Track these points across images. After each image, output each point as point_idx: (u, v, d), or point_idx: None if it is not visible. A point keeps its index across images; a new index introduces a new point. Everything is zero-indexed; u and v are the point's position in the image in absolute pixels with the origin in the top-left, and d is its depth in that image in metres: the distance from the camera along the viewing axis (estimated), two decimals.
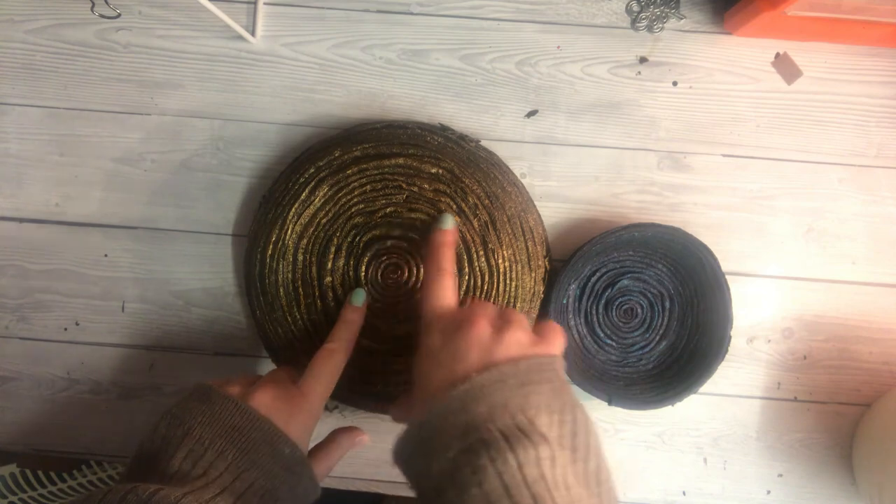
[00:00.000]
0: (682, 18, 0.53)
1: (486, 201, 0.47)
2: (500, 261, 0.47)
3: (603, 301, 0.51)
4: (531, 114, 0.52)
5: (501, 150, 0.52)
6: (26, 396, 0.53)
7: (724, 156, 0.53)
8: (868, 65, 0.52)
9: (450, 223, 0.45)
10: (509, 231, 0.48)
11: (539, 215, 0.51)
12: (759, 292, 0.52)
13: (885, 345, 0.52)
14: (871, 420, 0.50)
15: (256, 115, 0.53)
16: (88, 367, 0.53)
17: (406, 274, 0.48)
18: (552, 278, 0.50)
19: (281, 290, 0.48)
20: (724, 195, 0.52)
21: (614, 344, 0.52)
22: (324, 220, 0.48)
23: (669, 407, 0.51)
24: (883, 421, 0.49)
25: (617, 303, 0.51)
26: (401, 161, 0.47)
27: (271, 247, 0.48)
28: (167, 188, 0.52)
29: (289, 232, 0.48)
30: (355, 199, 0.47)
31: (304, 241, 0.48)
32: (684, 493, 0.52)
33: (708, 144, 0.52)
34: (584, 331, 0.51)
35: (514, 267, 0.48)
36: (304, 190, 0.48)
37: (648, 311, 0.51)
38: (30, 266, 0.53)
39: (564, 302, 0.51)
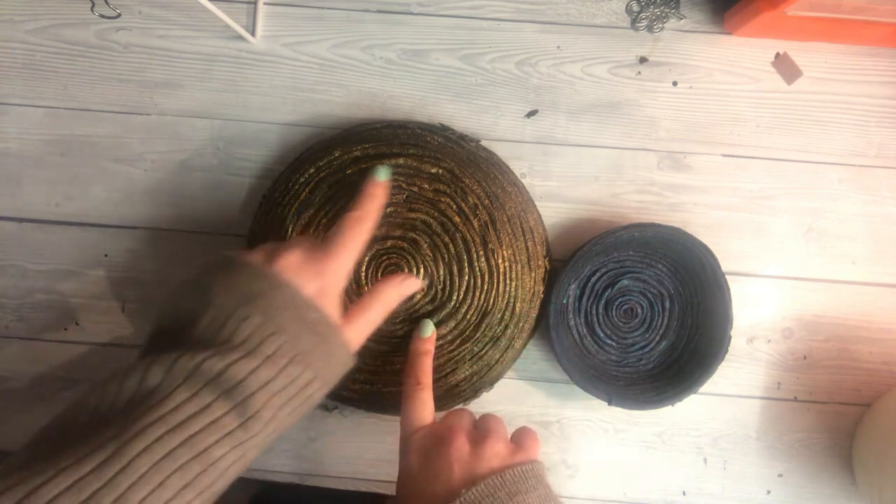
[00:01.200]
0: (682, 18, 0.53)
1: (486, 201, 0.47)
2: (500, 261, 0.47)
3: (603, 301, 0.51)
4: (531, 114, 0.52)
5: (501, 150, 0.52)
6: (26, 396, 0.53)
7: (724, 156, 0.53)
8: (868, 65, 0.52)
9: (429, 331, 0.46)
10: (509, 231, 0.48)
11: (539, 215, 0.51)
12: (759, 292, 0.52)
13: (885, 345, 0.52)
14: (871, 420, 0.50)
15: (256, 115, 0.53)
16: (88, 367, 0.53)
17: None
18: (552, 278, 0.50)
19: None
20: (724, 195, 0.52)
21: (614, 344, 0.52)
22: (324, 221, 0.48)
23: (669, 407, 0.51)
24: (883, 421, 0.49)
25: (617, 303, 0.51)
26: (401, 161, 0.47)
27: None
28: (167, 188, 0.52)
29: (288, 232, 0.48)
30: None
31: None
32: (684, 493, 0.52)
33: (708, 144, 0.52)
34: (584, 331, 0.51)
35: (513, 267, 0.48)
36: (303, 190, 0.48)
37: (648, 311, 0.51)
38: (30, 266, 0.53)
39: (564, 302, 0.51)
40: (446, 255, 0.47)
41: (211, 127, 0.53)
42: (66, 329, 0.53)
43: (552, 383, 0.52)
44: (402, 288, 0.43)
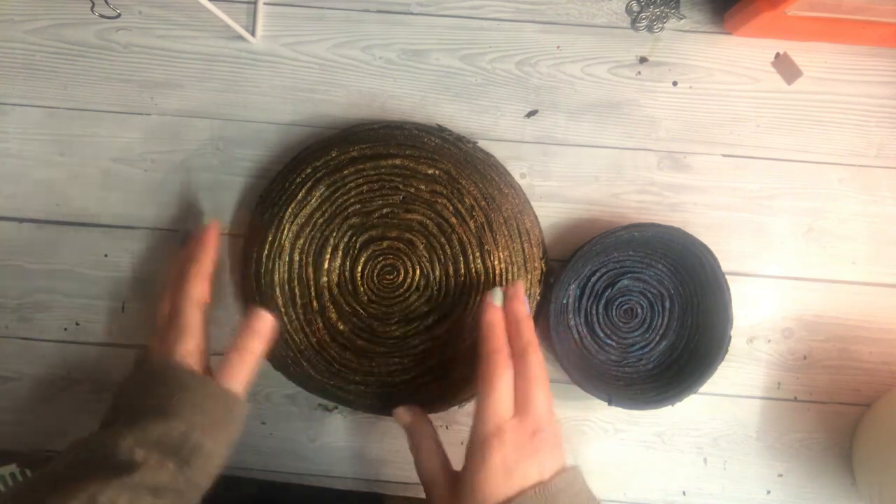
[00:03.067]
0: (682, 18, 0.53)
1: (483, 203, 0.47)
2: (496, 262, 0.47)
3: (603, 301, 0.51)
4: (531, 114, 0.52)
5: (501, 151, 0.52)
6: (26, 396, 0.53)
7: (724, 156, 0.53)
8: (868, 65, 0.52)
9: (500, 297, 0.43)
10: (505, 233, 0.48)
11: (536, 217, 0.51)
12: (759, 292, 0.52)
13: (885, 345, 0.52)
14: (871, 420, 0.50)
15: (256, 115, 0.53)
16: (88, 367, 0.53)
17: (402, 275, 0.48)
18: (549, 279, 0.50)
19: (277, 289, 0.48)
20: (724, 195, 0.52)
21: (614, 344, 0.52)
22: (320, 221, 0.48)
23: (669, 407, 0.51)
24: (883, 421, 0.49)
25: (617, 303, 0.51)
26: (398, 162, 0.47)
27: (267, 246, 0.48)
28: (167, 188, 0.52)
29: (285, 232, 0.48)
30: (352, 200, 0.47)
31: (301, 241, 0.48)
32: (684, 493, 0.52)
33: (708, 144, 0.52)
34: (584, 331, 0.51)
35: (509, 269, 0.48)
36: (300, 190, 0.48)
37: (648, 311, 0.51)
38: (30, 266, 0.53)
39: (564, 302, 0.51)
40: (443, 257, 0.47)
41: (211, 127, 0.53)
42: (66, 329, 0.53)
43: (552, 383, 0.52)
44: (258, 331, 0.44)
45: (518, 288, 0.44)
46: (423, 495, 0.43)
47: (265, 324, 0.44)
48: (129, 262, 0.52)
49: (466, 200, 0.47)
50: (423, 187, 0.47)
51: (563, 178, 0.52)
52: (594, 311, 0.51)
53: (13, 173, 0.53)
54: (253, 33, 0.52)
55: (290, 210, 0.48)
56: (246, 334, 0.43)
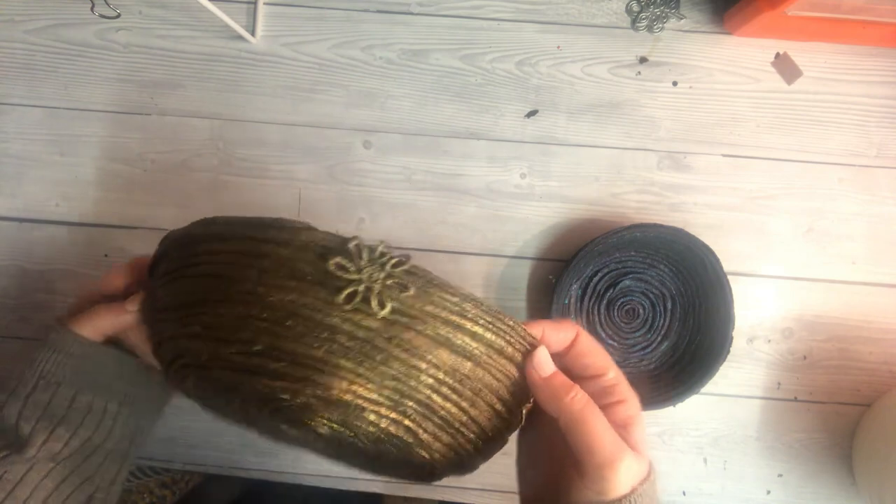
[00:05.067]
0: (682, 18, 0.53)
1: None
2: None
3: (605, 301, 0.51)
4: (531, 114, 0.52)
5: (501, 151, 0.52)
6: None
7: (724, 156, 0.53)
8: (868, 65, 0.53)
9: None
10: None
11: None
12: (760, 292, 0.52)
13: (885, 345, 0.52)
14: (870, 420, 0.50)
15: (256, 115, 0.53)
16: None
17: None
18: (551, 278, 0.50)
19: None
20: (724, 195, 0.52)
21: (616, 344, 0.52)
22: None
23: (670, 407, 0.51)
24: (883, 421, 0.49)
25: (619, 303, 0.51)
26: None
27: None
28: (167, 188, 0.52)
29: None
30: None
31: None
32: (684, 493, 0.52)
33: (708, 144, 0.52)
34: (586, 331, 0.51)
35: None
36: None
37: (650, 312, 0.51)
38: (30, 266, 0.52)
39: (566, 302, 0.51)
40: None
41: (211, 127, 0.52)
42: None
43: None
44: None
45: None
46: (423, 495, 0.43)
47: (118, 273, 0.42)
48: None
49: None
50: None
51: (563, 178, 0.52)
52: (596, 312, 0.51)
53: (13, 173, 0.53)
54: (253, 33, 0.52)
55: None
56: (101, 282, 0.43)
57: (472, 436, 0.33)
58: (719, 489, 0.52)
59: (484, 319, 0.31)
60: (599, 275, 0.51)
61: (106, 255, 0.52)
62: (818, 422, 0.52)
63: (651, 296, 0.51)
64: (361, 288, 0.30)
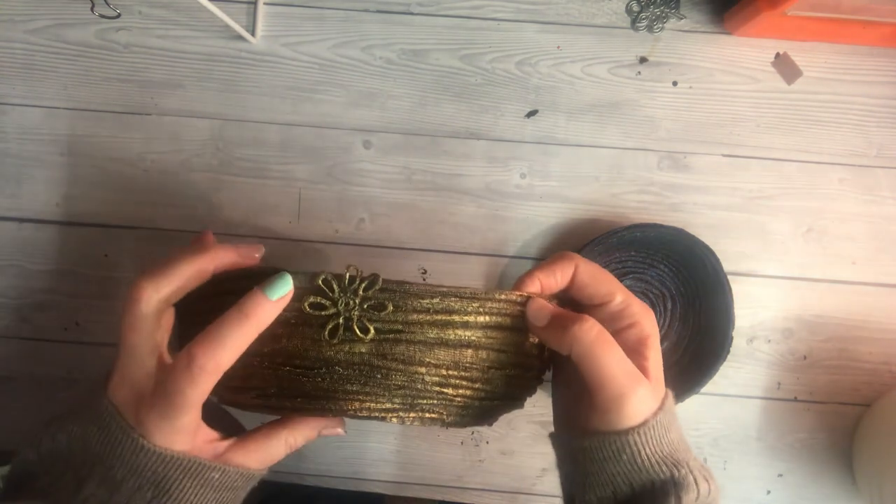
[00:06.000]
0: (682, 18, 0.53)
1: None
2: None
3: None
4: (531, 114, 0.52)
5: (501, 151, 0.52)
6: (26, 396, 0.53)
7: (724, 156, 0.53)
8: (868, 65, 0.52)
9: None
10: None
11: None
12: (759, 292, 0.52)
13: (885, 345, 0.52)
14: (871, 420, 0.50)
15: (256, 115, 0.53)
16: (88, 367, 0.52)
17: None
18: None
19: None
20: (724, 195, 0.52)
21: None
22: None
23: None
24: (883, 421, 0.49)
25: None
26: None
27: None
28: (167, 188, 0.52)
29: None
30: None
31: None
32: None
33: (708, 144, 0.52)
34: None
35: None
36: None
37: None
38: (30, 266, 0.52)
39: None
40: None
41: (211, 127, 0.53)
42: (66, 329, 0.53)
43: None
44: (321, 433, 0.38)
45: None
46: (423, 495, 0.43)
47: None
48: (129, 262, 0.52)
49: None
50: None
51: (563, 178, 0.52)
52: None
53: (13, 173, 0.53)
54: (253, 33, 0.52)
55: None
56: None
57: (497, 402, 0.35)
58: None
59: (472, 307, 0.32)
60: None
61: (106, 255, 0.52)
62: (818, 422, 0.52)
63: (651, 296, 0.51)
64: (341, 320, 0.31)
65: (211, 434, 0.33)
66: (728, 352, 0.48)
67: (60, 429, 0.33)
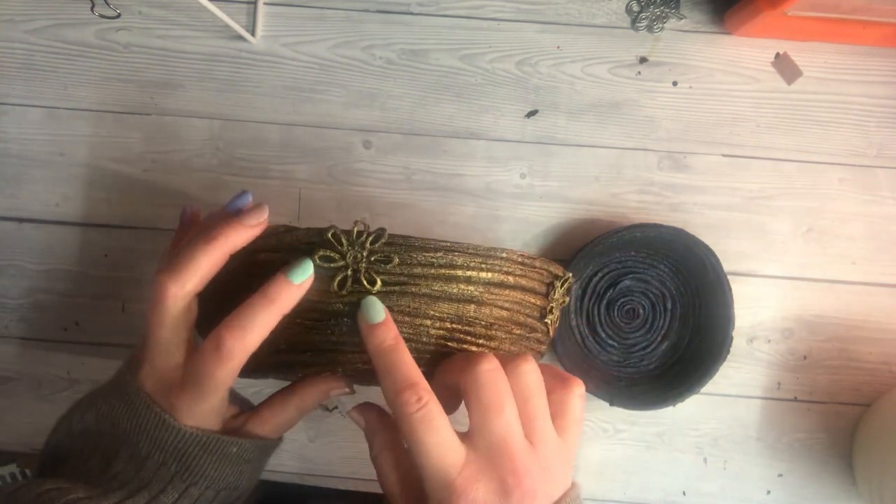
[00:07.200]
0: (682, 18, 0.53)
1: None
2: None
3: (605, 301, 0.51)
4: (531, 114, 0.52)
5: (501, 151, 0.52)
6: (26, 396, 0.53)
7: (724, 156, 0.53)
8: (868, 65, 0.52)
9: (379, 313, 0.31)
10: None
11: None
12: (759, 292, 0.52)
13: (885, 345, 0.52)
14: (871, 420, 0.50)
15: (256, 115, 0.53)
16: (88, 367, 0.52)
17: None
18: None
19: None
20: (724, 195, 0.52)
21: (616, 344, 0.52)
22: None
23: (670, 407, 0.51)
24: (883, 421, 0.49)
25: (619, 303, 0.51)
26: None
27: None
28: (167, 188, 0.52)
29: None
30: None
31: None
32: (684, 493, 0.52)
33: (708, 144, 0.52)
34: (586, 331, 0.51)
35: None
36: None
37: (650, 312, 0.51)
38: (30, 266, 0.52)
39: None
40: None
41: (211, 127, 0.53)
42: (66, 329, 0.53)
43: None
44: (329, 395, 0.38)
45: None
46: None
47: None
48: (129, 262, 0.52)
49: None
50: None
51: (563, 178, 0.52)
52: (596, 312, 0.51)
53: (13, 173, 0.53)
54: (253, 33, 0.52)
55: None
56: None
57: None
58: (719, 489, 0.52)
59: (475, 262, 0.33)
60: (599, 275, 0.51)
61: (106, 255, 0.52)
62: (818, 422, 0.52)
63: (651, 296, 0.51)
64: (349, 272, 0.32)
65: (233, 410, 0.36)
66: (728, 352, 0.48)
67: (90, 408, 0.34)
